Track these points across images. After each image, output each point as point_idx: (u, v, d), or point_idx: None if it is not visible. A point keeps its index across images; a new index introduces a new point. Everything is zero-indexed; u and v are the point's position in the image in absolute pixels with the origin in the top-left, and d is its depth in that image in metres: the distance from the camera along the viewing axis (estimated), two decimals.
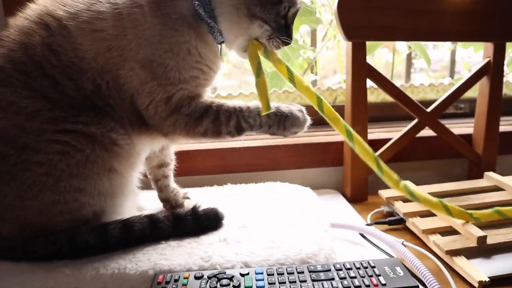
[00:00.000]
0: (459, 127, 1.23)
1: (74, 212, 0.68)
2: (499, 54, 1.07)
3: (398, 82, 1.54)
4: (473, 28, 1.04)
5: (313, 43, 1.43)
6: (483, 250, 0.74)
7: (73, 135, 0.66)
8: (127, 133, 0.73)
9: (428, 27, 1.01)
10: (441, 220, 0.83)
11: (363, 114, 1.01)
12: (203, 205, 0.80)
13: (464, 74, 1.59)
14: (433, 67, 1.96)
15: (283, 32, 0.72)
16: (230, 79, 1.64)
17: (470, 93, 1.14)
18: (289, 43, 0.74)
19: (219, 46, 0.75)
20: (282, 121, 0.75)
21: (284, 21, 0.73)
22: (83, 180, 0.67)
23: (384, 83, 1.02)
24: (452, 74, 1.59)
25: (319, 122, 1.25)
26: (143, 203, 0.89)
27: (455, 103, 1.33)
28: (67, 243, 0.66)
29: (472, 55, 1.59)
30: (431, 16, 1.01)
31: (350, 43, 0.97)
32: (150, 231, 0.71)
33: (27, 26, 0.68)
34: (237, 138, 0.75)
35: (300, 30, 1.44)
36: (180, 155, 0.92)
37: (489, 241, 0.74)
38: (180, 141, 0.79)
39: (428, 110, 1.06)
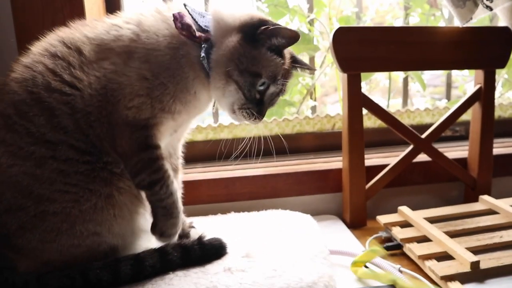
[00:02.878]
0: (455, 151, 1.27)
1: (92, 251, 0.73)
2: (489, 81, 1.11)
3: (398, 100, 1.59)
4: (463, 57, 1.09)
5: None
6: (476, 275, 0.77)
7: (79, 187, 0.71)
8: (118, 161, 0.75)
9: (420, 57, 1.06)
10: (436, 246, 0.86)
11: (359, 142, 1.05)
12: (208, 234, 0.84)
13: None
14: (434, 82, 2.01)
15: (254, 105, 0.77)
16: None
17: (465, 116, 1.18)
18: (259, 118, 0.78)
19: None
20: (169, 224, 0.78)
21: (260, 97, 0.78)
22: (98, 225, 0.72)
23: (379, 111, 1.07)
24: (448, 96, 1.63)
25: (317, 149, 1.30)
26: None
27: (451, 127, 1.37)
28: (80, 278, 0.69)
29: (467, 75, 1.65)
30: (423, 47, 1.06)
31: (345, 75, 1.02)
32: (160, 264, 0.75)
33: (31, 61, 0.73)
34: (137, 188, 0.77)
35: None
36: (184, 184, 0.96)
37: (482, 266, 0.78)
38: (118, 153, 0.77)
39: (423, 136, 1.10)
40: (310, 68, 0.87)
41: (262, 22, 0.75)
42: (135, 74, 0.73)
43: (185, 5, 0.77)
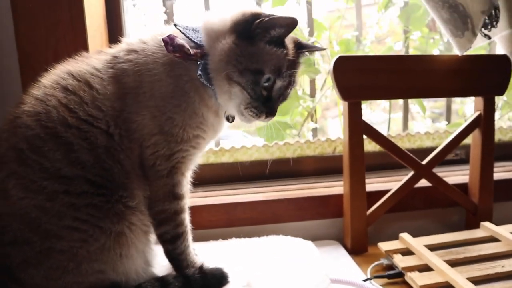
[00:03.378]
0: (456, 175, 1.27)
1: (95, 286, 0.72)
2: (489, 108, 1.12)
3: (398, 114, 1.59)
4: (463, 85, 1.10)
5: (313, 93, 1.50)
6: None
7: (89, 225, 0.71)
8: (134, 196, 0.76)
9: (419, 85, 1.07)
10: (438, 275, 0.85)
11: (360, 168, 1.05)
12: (209, 261, 0.85)
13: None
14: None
15: (261, 103, 0.74)
16: None
17: (466, 140, 1.19)
18: (270, 115, 0.76)
19: (223, 110, 0.81)
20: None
21: (267, 93, 0.75)
22: (103, 264, 0.72)
23: (380, 138, 1.07)
24: (448, 118, 1.64)
25: (318, 173, 1.30)
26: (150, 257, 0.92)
27: None
28: None
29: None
30: (422, 75, 1.07)
31: (346, 103, 1.03)
32: None
33: (42, 94, 0.73)
34: (159, 240, 0.81)
35: (299, 80, 1.50)
36: None
37: None
38: (148, 206, 0.80)
39: (423, 162, 1.11)
40: (319, 49, 0.82)
41: (255, 16, 0.72)
42: (147, 113, 0.75)
43: (175, 25, 0.77)
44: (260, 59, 0.73)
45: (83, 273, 0.71)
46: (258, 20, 0.72)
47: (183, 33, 0.76)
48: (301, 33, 1.46)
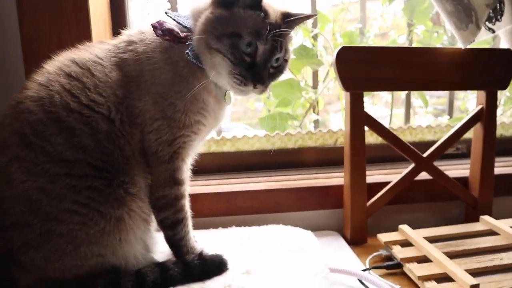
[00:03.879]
0: (456, 169, 1.27)
1: (94, 270, 0.73)
2: (491, 102, 1.12)
3: (400, 110, 1.59)
4: (465, 78, 1.10)
5: (315, 84, 1.50)
6: None
7: (88, 209, 0.71)
8: (135, 182, 0.76)
9: (422, 78, 1.07)
10: (436, 267, 0.86)
11: (361, 159, 1.06)
12: (209, 248, 0.85)
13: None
14: (437, 93, 2.00)
15: (244, 67, 0.72)
16: (234, 106, 1.71)
17: (468, 134, 1.19)
18: (258, 82, 0.73)
19: (223, 92, 0.82)
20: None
21: (251, 59, 0.73)
22: (103, 248, 0.73)
23: (381, 130, 1.07)
24: (450, 113, 1.64)
25: (319, 164, 1.31)
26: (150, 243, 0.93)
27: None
28: None
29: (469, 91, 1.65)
30: (425, 67, 1.07)
31: (348, 93, 1.03)
32: (162, 280, 0.75)
33: (46, 79, 0.74)
34: (159, 226, 0.83)
35: (302, 71, 1.50)
36: None
37: None
38: (149, 193, 0.80)
39: (424, 155, 1.11)
40: (307, 15, 0.77)
41: None
42: (149, 99, 0.76)
43: (166, 13, 0.78)
44: (236, 23, 0.72)
45: (82, 256, 0.71)
46: None
47: (174, 19, 0.78)
48: (304, 24, 1.46)
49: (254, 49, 0.72)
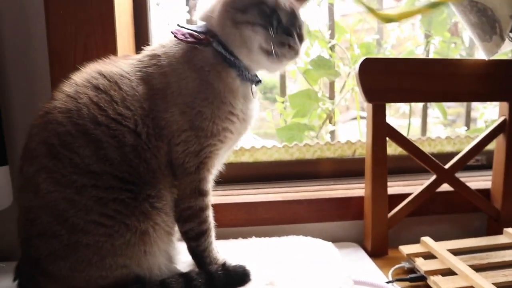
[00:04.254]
0: (477, 181, 1.26)
1: (120, 281, 0.73)
2: None
3: (416, 120, 1.59)
4: (488, 89, 1.09)
5: (332, 95, 1.50)
6: None
7: (114, 221, 0.71)
8: (161, 196, 0.76)
9: (444, 89, 1.07)
10: (462, 280, 0.85)
11: (383, 171, 1.05)
12: (230, 259, 0.85)
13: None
14: (448, 103, 1.99)
15: (278, 31, 0.73)
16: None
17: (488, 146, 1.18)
18: (292, 46, 0.74)
19: (250, 89, 0.82)
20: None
21: (279, 23, 0.74)
22: (128, 259, 0.73)
23: (403, 141, 1.07)
24: (468, 124, 1.63)
25: (337, 175, 1.30)
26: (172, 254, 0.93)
27: None
28: None
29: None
30: (447, 78, 1.06)
31: (370, 105, 1.03)
32: None
33: (74, 91, 0.75)
34: (183, 237, 0.82)
35: (319, 82, 1.51)
36: None
37: None
38: (174, 205, 0.81)
39: (446, 167, 1.10)
40: None
41: None
42: (176, 110, 0.76)
43: (178, 25, 0.80)
44: None
45: (107, 267, 0.71)
46: None
47: (187, 29, 0.79)
48: (321, 35, 1.47)
49: (278, 16, 0.74)
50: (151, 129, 0.75)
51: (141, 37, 1.14)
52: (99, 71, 0.77)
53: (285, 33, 0.74)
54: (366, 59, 1.00)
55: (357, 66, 1.01)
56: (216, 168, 0.85)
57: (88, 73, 0.77)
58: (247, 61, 0.78)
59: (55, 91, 0.77)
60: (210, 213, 0.83)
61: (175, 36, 0.77)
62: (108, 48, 0.95)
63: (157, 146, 0.76)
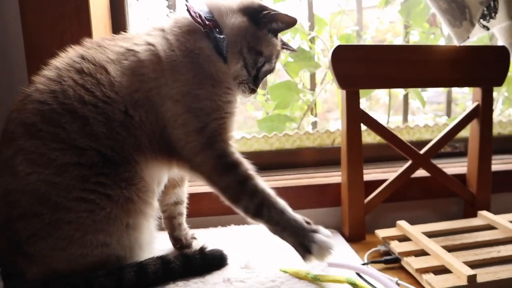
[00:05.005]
0: (454, 167, 1.28)
1: (100, 261, 0.74)
2: (487, 98, 1.13)
3: (400, 117, 1.61)
4: (461, 75, 1.11)
5: (313, 87, 1.51)
6: None
7: (96, 194, 0.72)
8: (141, 170, 0.77)
9: (418, 75, 1.09)
10: (434, 260, 0.87)
11: (358, 157, 1.07)
12: (209, 245, 0.86)
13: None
14: (437, 99, 2.02)
15: (252, 80, 0.85)
16: None
17: (465, 133, 1.20)
18: (254, 92, 0.86)
19: None
20: (303, 237, 0.76)
21: (256, 73, 0.85)
22: (108, 236, 0.73)
23: (377, 127, 1.09)
24: (448, 113, 1.65)
25: (317, 164, 1.31)
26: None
27: (451, 143, 1.38)
28: (84, 285, 0.70)
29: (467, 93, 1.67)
30: (421, 65, 1.08)
31: (344, 91, 1.04)
32: (163, 272, 0.76)
33: (57, 75, 0.75)
34: (249, 219, 0.78)
35: (299, 74, 1.52)
36: (187, 197, 0.98)
37: (479, 279, 0.78)
38: (201, 181, 0.82)
39: (421, 152, 1.12)
40: (294, 50, 0.95)
41: (263, 7, 0.83)
42: (170, 101, 0.77)
43: (186, 5, 0.81)
44: (264, 44, 0.84)
45: (88, 244, 0.72)
46: (266, 11, 0.82)
47: (193, 11, 0.81)
48: (301, 27, 1.48)
49: (261, 66, 0.85)
50: (143, 115, 0.77)
51: (118, 32, 1.14)
52: (80, 55, 0.78)
53: (255, 83, 0.86)
54: (339, 46, 1.02)
55: (330, 53, 1.02)
56: (233, 139, 0.84)
57: (69, 57, 0.78)
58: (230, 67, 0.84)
59: (35, 76, 0.78)
60: (258, 181, 0.79)
61: (188, 11, 0.79)
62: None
63: (151, 129, 0.78)
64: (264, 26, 0.83)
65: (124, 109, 0.75)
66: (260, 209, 0.76)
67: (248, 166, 0.80)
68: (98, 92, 0.74)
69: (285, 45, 0.92)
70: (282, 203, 0.79)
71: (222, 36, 0.80)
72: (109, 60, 0.77)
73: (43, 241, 0.71)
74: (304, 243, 0.76)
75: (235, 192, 0.77)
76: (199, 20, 0.79)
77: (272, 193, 0.78)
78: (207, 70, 0.80)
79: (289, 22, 0.83)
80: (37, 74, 0.78)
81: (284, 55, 1.46)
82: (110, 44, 0.81)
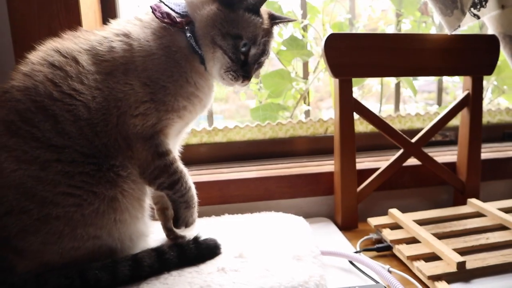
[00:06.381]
0: (445, 155, 1.30)
1: (92, 253, 0.74)
2: (477, 87, 1.14)
3: (391, 106, 1.62)
4: (452, 64, 1.12)
5: (305, 75, 1.51)
6: (462, 274, 0.80)
7: (83, 190, 0.72)
8: (124, 165, 0.77)
9: (410, 64, 1.09)
10: (425, 247, 0.88)
11: (351, 145, 1.07)
12: (203, 235, 0.86)
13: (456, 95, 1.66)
14: (428, 88, 2.04)
15: (239, 66, 0.80)
16: (227, 103, 1.72)
17: (456, 121, 1.22)
18: (246, 79, 0.82)
19: (211, 79, 0.85)
20: (191, 214, 0.85)
21: (245, 58, 0.81)
22: (99, 229, 0.74)
23: (370, 116, 1.09)
24: (439, 101, 1.66)
25: (310, 153, 1.32)
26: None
27: (441, 132, 1.40)
28: (78, 278, 0.70)
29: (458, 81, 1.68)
30: (413, 53, 1.09)
31: (337, 80, 1.04)
32: (158, 264, 0.77)
33: (29, 70, 0.75)
34: (155, 189, 0.83)
35: (292, 63, 1.52)
36: None
37: (468, 266, 0.80)
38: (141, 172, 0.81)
39: (413, 140, 1.13)
40: (290, 19, 0.88)
41: None
42: (137, 82, 0.76)
43: (151, 6, 0.80)
44: (240, 25, 0.79)
45: (79, 237, 0.73)
46: None
47: (167, 5, 0.80)
48: (294, 15, 1.48)
49: (247, 50, 0.80)
50: (101, 103, 0.75)
51: (109, 18, 1.13)
52: (55, 48, 0.77)
53: (245, 69, 0.81)
54: (332, 34, 1.02)
55: (323, 41, 1.02)
56: (171, 137, 0.84)
57: (44, 51, 0.77)
58: (209, 67, 0.82)
59: (12, 72, 0.77)
60: (179, 165, 0.82)
61: (153, 12, 0.78)
62: (73, 28, 0.94)
63: (105, 119, 0.75)
64: (239, 5, 0.79)
65: (87, 101, 0.74)
66: (174, 184, 0.81)
67: (176, 156, 0.85)
68: (65, 86, 0.73)
69: (277, 19, 0.86)
70: (192, 184, 0.85)
71: (188, 35, 0.78)
72: (81, 51, 0.77)
73: (32, 236, 0.71)
74: (187, 217, 0.84)
75: (159, 173, 0.80)
76: (167, 20, 0.78)
77: (187, 173, 0.84)
78: (182, 67, 0.79)
79: None
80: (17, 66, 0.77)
81: (277, 43, 1.45)
82: (88, 34, 0.80)
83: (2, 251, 0.73)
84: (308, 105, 1.50)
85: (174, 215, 0.84)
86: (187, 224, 0.84)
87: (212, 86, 0.86)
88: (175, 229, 0.88)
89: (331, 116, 1.39)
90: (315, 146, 1.33)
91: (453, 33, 1.06)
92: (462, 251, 0.85)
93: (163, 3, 0.80)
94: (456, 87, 1.78)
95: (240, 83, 0.82)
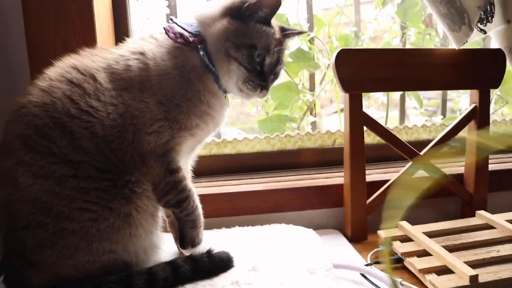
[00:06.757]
0: (452, 166, 1.31)
1: (107, 267, 0.75)
2: (484, 100, 1.15)
3: (395, 112, 1.63)
4: (459, 78, 1.13)
5: (312, 87, 1.53)
6: None
7: (99, 206, 0.74)
8: (139, 182, 0.79)
9: (418, 78, 1.11)
10: (436, 260, 0.89)
11: (361, 159, 1.08)
12: (214, 247, 0.87)
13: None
14: (428, 95, 2.05)
15: (256, 75, 0.82)
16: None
17: (462, 132, 1.22)
18: (264, 88, 0.83)
19: (224, 96, 0.86)
20: (198, 234, 0.87)
21: (261, 68, 0.82)
22: (114, 244, 0.75)
23: (379, 130, 1.10)
24: (444, 112, 1.68)
25: (318, 164, 1.33)
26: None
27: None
28: None
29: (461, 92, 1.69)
30: (421, 68, 1.10)
31: (347, 94, 1.06)
32: (173, 278, 0.78)
33: (48, 86, 0.76)
34: (162, 206, 0.84)
35: (299, 74, 1.54)
36: None
37: (481, 279, 0.80)
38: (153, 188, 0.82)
39: (421, 153, 1.14)
40: (300, 32, 0.91)
41: (243, 1, 0.81)
42: (152, 100, 0.78)
43: (171, 19, 0.82)
44: (253, 36, 0.81)
45: (94, 252, 0.74)
46: (248, 3, 0.80)
47: (179, 26, 0.82)
48: (300, 27, 1.49)
49: (262, 59, 0.82)
50: (117, 120, 0.76)
51: (121, 32, 1.15)
52: (73, 65, 0.78)
53: (262, 78, 0.82)
54: (342, 50, 1.03)
55: (333, 57, 1.04)
56: (183, 154, 0.85)
57: (62, 67, 0.79)
58: (224, 82, 0.83)
59: (29, 87, 0.78)
60: (188, 183, 0.84)
61: (166, 33, 0.80)
62: (88, 42, 0.95)
63: (120, 136, 0.77)
64: (250, 18, 0.81)
65: (103, 118, 0.75)
66: (182, 202, 0.82)
67: (187, 175, 0.89)
68: (82, 103, 0.75)
69: (287, 31, 0.88)
70: (199, 204, 0.86)
71: (202, 53, 0.80)
72: (99, 68, 0.78)
73: (48, 249, 0.72)
74: (193, 237, 0.85)
75: (168, 189, 0.81)
76: (180, 40, 0.80)
77: (195, 192, 0.86)
78: (196, 86, 0.81)
79: (273, 5, 0.80)
80: (39, 75, 0.79)
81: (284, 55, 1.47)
82: (105, 52, 0.82)
83: (18, 264, 0.75)
84: (315, 116, 1.51)
85: (180, 234, 0.85)
86: (193, 244, 0.85)
87: (225, 105, 0.87)
88: (180, 249, 0.88)
89: (333, 123, 1.39)
90: (323, 158, 1.34)
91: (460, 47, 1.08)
92: (473, 264, 0.86)
93: (176, 23, 0.82)
94: (459, 97, 1.79)
95: (258, 93, 0.83)
